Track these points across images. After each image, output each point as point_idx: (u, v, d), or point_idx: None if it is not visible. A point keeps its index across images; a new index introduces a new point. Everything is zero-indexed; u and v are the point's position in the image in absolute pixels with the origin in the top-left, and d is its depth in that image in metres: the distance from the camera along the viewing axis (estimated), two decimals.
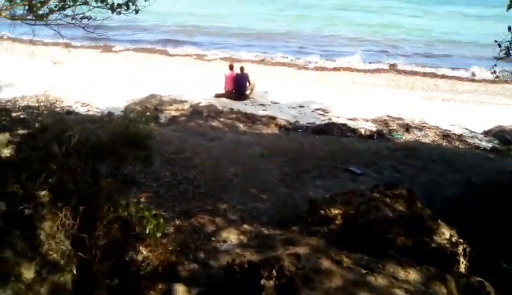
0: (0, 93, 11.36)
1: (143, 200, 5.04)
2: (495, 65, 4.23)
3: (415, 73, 17.55)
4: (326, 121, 10.03)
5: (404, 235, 3.18)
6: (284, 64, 18.47)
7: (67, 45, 21.23)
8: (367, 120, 10.35)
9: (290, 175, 5.95)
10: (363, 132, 9.34)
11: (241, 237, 4.22)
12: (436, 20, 28.90)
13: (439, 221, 3.34)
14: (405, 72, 17.64)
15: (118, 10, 6.06)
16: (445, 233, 3.20)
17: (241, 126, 9.12)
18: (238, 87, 11.66)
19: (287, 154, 6.78)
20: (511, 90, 15.33)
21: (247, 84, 11.82)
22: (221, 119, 9.49)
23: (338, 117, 10.49)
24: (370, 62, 18.60)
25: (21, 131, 7.48)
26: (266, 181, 5.73)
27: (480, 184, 5.70)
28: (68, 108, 10.60)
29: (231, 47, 21.20)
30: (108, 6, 5.91)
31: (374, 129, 9.54)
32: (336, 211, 3.71)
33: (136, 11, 6.07)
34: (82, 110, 10.62)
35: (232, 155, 6.72)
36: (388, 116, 10.69)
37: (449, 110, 11.98)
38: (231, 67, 12.06)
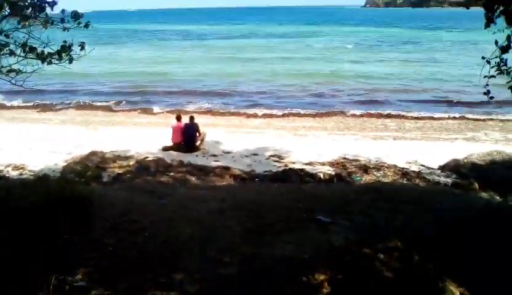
0: None
1: (79, 277, 4.17)
2: (487, 84, 3.91)
3: (362, 115, 17.89)
4: (282, 168, 9.60)
5: None
6: (232, 114, 18.25)
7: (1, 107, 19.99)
8: (324, 164, 10.03)
9: (253, 231, 5.28)
10: (322, 176, 8.96)
11: None
12: (373, 66, 30.20)
13: (445, 278, 2.82)
14: (353, 115, 17.94)
15: (49, 59, 5.36)
16: (455, 292, 2.68)
17: (193, 179, 8.42)
18: (187, 138, 11.05)
19: (248, 207, 6.13)
20: (453, 125, 15.86)
21: (197, 135, 11.24)
22: (171, 173, 8.75)
23: (294, 163, 10.10)
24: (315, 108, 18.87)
25: None
26: (227, 241, 5.01)
27: (454, 222, 5.33)
28: None
29: (177, 102, 20.71)
30: (37, 56, 5.21)
31: (333, 173, 9.20)
32: (322, 277, 3.09)
33: (70, 61, 5.38)
34: (14, 174, 9.49)
35: (186, 213, 5.96)
36: (344, 158, 10.45)
37: (402, 148, 12.03)
38: (179, 118, 11.48)
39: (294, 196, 6.69)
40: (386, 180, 8.89)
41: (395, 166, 9.78)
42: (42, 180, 8.31)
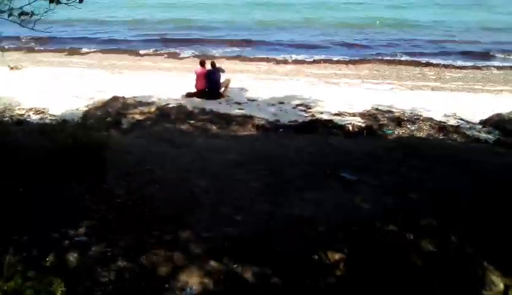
0: None
1: (81, 230, 3.94)
2: None
3: (399, 62, 16.82)
4: (309, 118, 9.04)
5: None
6: (261, 59, 17.48)
7: (29, 50, 19.96)
8: (354, 115, 9.40)
9: (272, 187, 4.89)
10: (351, 128, 8.37)
11: (206, 281, 3.15)
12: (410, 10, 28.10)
13: (487, 265, 2.35)
14: (389, 62, 16.88)
15: None
16: (497, 284, 2.23)
17: (214, 128, 8.04)
18: (211, 85, 10.57)
19: (268, 160, 5.72)
20: (499, 76, 14.64)
21: (221, 80, 10.73)
22: (192, 121, 8.39)
23: (322, 113, 9.52)
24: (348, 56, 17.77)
25: None
26: (242, 197, 4.66)
27: (495, 186, 4.75)
28: (18, 117, 9.34)
29: (205, 45, 20.03)
30: None
31: (363, 125, 8.58)
32: (337, 256, 2.68)
33: (81, 0, 4.98)
34: (35, 118, 9.38)
35: (202, 165, 5.63)
36: (377, 109, 9.76)
37: (440, 99, 11.16)
38: (202, 63, 10.95)
39: (319, 150, 6.22)
40: (420, 134, 8.23)
41: (431, 119, 9.04)
42: (60, 125, 8.15)
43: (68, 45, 20.26)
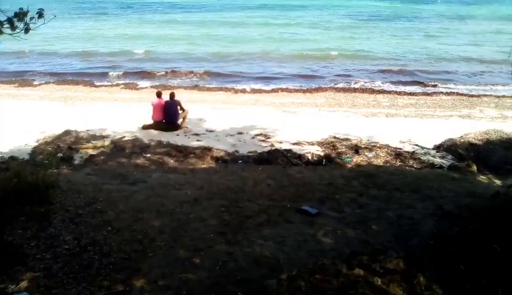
0: None
1: (23, 284, 3.59)
2: None
3: (354, 90, 17.27)
4: (268, 148, 8.98)
5: None
6: (220, 89, 17.46)
7: None
8: (313, 144, 9.44)
9: (230, 225, 4.72)
10: (310, 157, 8.38)
11: None
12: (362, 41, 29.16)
13: None
14: (344, 90, 17.31)
15: None
16: None
17: (171, 161, 7.80)
18: (168, 116, 10.36)
19: (227, 195, 5.56)
20: (448, 102, 15.29)
21: (179, 112, 10.55)
22: (148, 155, 8.11)
23: (281, 143, 9.50)
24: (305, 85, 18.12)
25: None
26: (200, 237, 4.45)
27: (455, 212, 4.82)
28: None
29: (162, 78, 19.73)
30: None
31: (322, 154, 8.61)
32: None
33: (26, 30, 4.69)
34: None
35: (158, 203, 5.38)
36: (334, 137, 9.86)
37: (394, 126, 11.46)
38: (159, 94, 10.75)
39: (278, 181, 6.13)
40: (378, 161, 8.34)
41: (388, 146, 9.22)
42: (4, 163, 7.66)
43: (18, 77, 19.51)
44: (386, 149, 8.91)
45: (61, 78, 19.42)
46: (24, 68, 21.42)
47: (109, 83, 18.42)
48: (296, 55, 24.32)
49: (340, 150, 8.81)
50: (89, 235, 4.50)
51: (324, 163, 8.04)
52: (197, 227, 4.70)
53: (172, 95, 10.70)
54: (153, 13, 47.83)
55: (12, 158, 8.12)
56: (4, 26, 4.68)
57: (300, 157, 8.33)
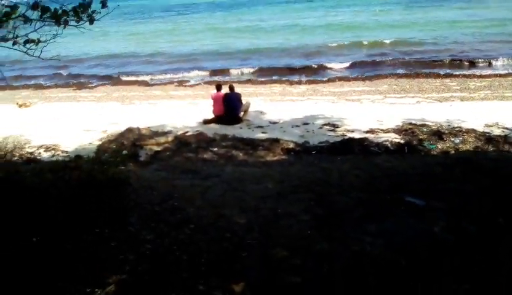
0: None
1: (111, 289, 3.21)
2: None
3: (417, 75, 16.15)
4: (340, 137, 8.34)
5: None
6: (274, 81, 16.94)
7: (36, 87, 19.67)
8: (388, 131, 8.68)
9: (325, 220, 4.15)
10: (389, 145, 7.65)
11: None
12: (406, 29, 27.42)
13: None
14: (406, 76, 16.24)
15: (64, 18, 4.44)
16: None
17: (240, 155, 7.36)
18: (230, 109, 9.95)
19: (312, 188, 5.00)
20: None
21: (240, 104, 10.12)
22: (215, 149, 7.71)
23: (352, 132, 8.82)
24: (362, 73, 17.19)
25: None
26: (294, 235, 3.92)
27: None
28: (28, 155, 8.75)
29: (212, 74, 19.44)
30: (51, 16, 4.28)
31: (402, 141, 7.86)
32: None
33: (91, 21, 4.38)
34: (46, 156, 8.77)
35: (238, 198, 4.92)
36: (410, 124, 9.04)
37: (474, 110, 10.42)
38: (219, 87, 10.37)
39: (367, 172, 5.49)
40: (467, 147, 7.48)
41: (474, 130, 8.30)
42: (73, 162, 7.51)
43: (73, 77, 20.05)
44: (473, 134, 8.00)
45: (115, 79, 19.71)
46: (77, 71, 21.94)
47: (163, 82, 18.44)
48: (349, 44, 23.30)
49: (420, 137, 8.01)
50: (171, 234, 4.09)
51: (405, 150, 7.30)
52: (288, 223, 4.17)
53: (231, 87, 10.30)
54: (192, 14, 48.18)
55: (78, 157, 8.00)
56: (70, 16, 4.41)
57: (377, 145, 7.62)
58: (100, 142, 9.04)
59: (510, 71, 15.73)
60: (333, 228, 4.00)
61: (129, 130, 9.39)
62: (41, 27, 4.47)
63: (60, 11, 4.25)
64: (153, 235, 4.11)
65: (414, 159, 6.15)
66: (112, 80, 19.49)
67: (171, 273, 3.40)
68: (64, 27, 4.52)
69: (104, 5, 4.25)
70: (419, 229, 3.80)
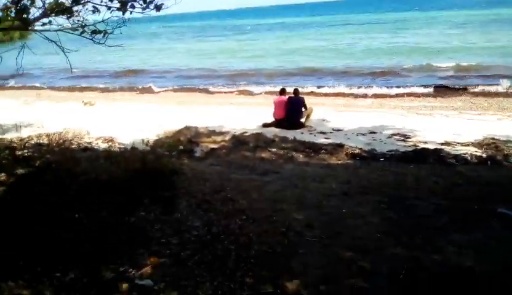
0: (17, 133, 9.82)
1: (146, 270, 2.80)
2: None
3: (495, 94, 14.77)
4: (412, 147, 7.56)
5: None
6: (337, 94, 16.26)
7: (103, 90, 20.49)
8: (467, 145, 7.75)
9: (399, 225, 3.52)
10: (469, 158, 6.77)
11: None
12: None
13: None
14: (483, 94, 14.92)
15: (131, 3, 4.36)
16: None
17: (301, 156, 6.82)
18: (291, 114, 9.47)
19: (384, 190, 4.37)
20: None
21: (303, 110, 9.62)
22: (274, 149, 7.24)
23: (425, 143, 7.97)
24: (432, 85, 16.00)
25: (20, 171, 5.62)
26: (363, 236, 3.33)
27: None
28: (86, 144, 8.79)
29: (274, 83, 19.10)
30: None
31: (483, 155, 6.94)
32: None
33: (158, 8, 4.24)
34: (102, 146, 8.77)
35: (298, 194, 4.40)
36: (493, 138, 8.04)
37: None
38: (282, 92, 9.97)
39: (448, 179, 4.75)
40: None
41: None
42: (127, 151, 7.38)
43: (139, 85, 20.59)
44: None
45: (179, 84, 20.05)
46: (141, 79, 22.64)
47: (224, 90, 18.41)
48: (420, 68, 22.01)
49: (506, 152, 7.04)
50: (221, 223, 3.65)
51: (488, 163, 6.39)
52: (355, 223, 3.58)
53: (296, 91, 9.85)
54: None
55: (133, 148, 7.89)
56: (137, 1, 4.26)
57: (455, 157, 6.77)
58: (157, 138, 8.91)
59: None
60: (409, 234, 3.35)
61: (186, 128, 9.20)
62: (108, 18, 4.38)
63: None
64: (201, 222, 3.70)
65: (505, 170, 5.30)
66: (175, 87, 19.79)
67: (215, 262, 2.94)
68: (131, 13, 4.38)
69: None
70: None
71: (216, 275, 2.73)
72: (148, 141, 7.93)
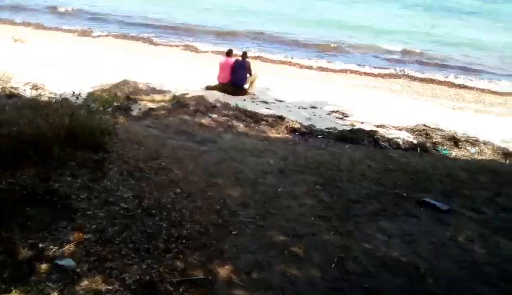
0: None
1: (68, 248, 2.60)
2: None
3: (431, 81, 15.49)
4: (349, 126, 7.74)
5: None
6: (284, 62, 16.18)
7: (38, 27, 18.78)
8: (400, 129, 8.08)
9: (333, 208, 3.57)
10: (401, 143, 7.07)
11: None
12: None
13: None
14: (420, 79, 15.57)
15: None
16: None
17: (241, 126, 6.72)
18: (236, 78, 9.26)
19: (320, 171, 4.41)
20: None
21: (247, 75, 9.44)
22: (214, 116, 7.06)
23: (362, 123, 8.20)
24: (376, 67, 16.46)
25: None
26: (296, 219, 3.34)
27: None
28: (11, 90, 8.04)
29: (223, 43, 18.62)
30: None
31: (414, 141, 7.27)
32: None
33: None
34: (30, 94, 8.06)
35: (235, 169, 4.32)
36: (425, 125, 8.45)
37: (489, 123, 9.84)
38: (229, 53, 9.65)
39: (382, 164, 4.91)
40: (482, 158, 6.92)
41: (490, 143, 7.73)
42: (57, 103, 6.84)
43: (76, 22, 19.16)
44: (490, 146, 7.44)
45: (121, 31, 18.90)
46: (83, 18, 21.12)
47: (169, 43, 17.63)
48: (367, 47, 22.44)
49: (435, 140, 7.43)
50: (153, 195, 3.49)
51: (418, 151, 6.72)
52: (289, 204, 3.59)
53: (244, 54, 9.60)
54: None
55: (65, 100, 7.34)
56: None
57: (388, 141, 7.03)
58: (92, 90, 8.34)
59: None
60: (342, 219, 3.42)
61: (125, 82, 8.70)
62: None
63: None
64: (132, 193, 3.51)
65: (433, 159, 5.58)
66: (115, 33, 18.61)
67: (145, 240, 2.81)
68: None
69: None
70: (442, 236, 3.23)
71: (145, 256, 2.60)
72: (80, 94, 7.39)
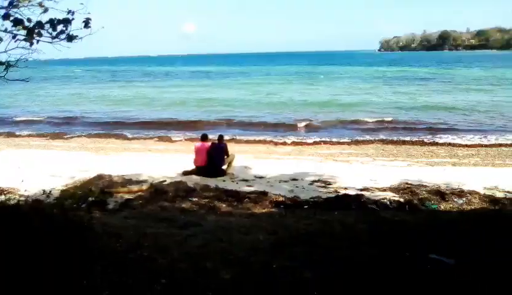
0: None
1: None
2: None
3: (403, 142, 15.91)
4: (334, 194, 7.60)
5: None
6: (258, 141, 16.43)
7: (9, 135, 18.71)
8: (384, 190, 8.01)
9: (335, 280, 3.28)
10: (388, 203, 6.93)
11: None
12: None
13: None
14: (393, 142, 15.98)
15: (38, 30, 3.77)
16: None
17: (224, 206, 6.48)
18: (213, 161, 9.17)
19: (313, 241, 4.15)
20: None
21: (225, 157, 9.38)
22: (195, 199, 6.83)
23: (345, 189, 8.11)
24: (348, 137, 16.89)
25: None
26: None
27: None
28: None
29: (196, 131, 18.83)
30: (21, 28, 3.67)
31: (401, 200, 7.16)
32: None
33: (70, 38, 3.73)
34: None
35: (222, 249, 4.01)
36: (407, 183, 8.41)
37: (469, 174, 9.93)
38: (204, 137, 9.67)
39: (373, 226, 4.69)
40: (470, 208, 6.81)
41: (476, 192, 7.70)
42: (27, 206, 6.49)
43: (48, 128, 19.22)
44: (477, 195, 7.39)
45: (93, 130, 18.99)
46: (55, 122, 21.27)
47: (143, 136, 17.72)
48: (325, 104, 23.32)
49: (421, 196, 7.34)
50: (139, 288, 3.13)
51: (406, 208, 6.58)
52: (288, 281, 3.27)
53: (220, 137, 9.63)
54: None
55: (37, 201, 6.99)
56: (45, 29, 3.72)
57: (376, 202, 6.90)
58: (65, 188, 8.04)
59: (493, 142, 15.67)
60: (348, 290, 3.12)
61: (99, 177, 8.48)
62: (11, 49, 3.80)
63: (34, 23, 3.58)
64: (112, 290, 3.14)
65: (425, 215, 5.42)
66: (89, 133, 18.67)
67: None
68: (37, 42, 3.80)
69: (87, 25, 3.61)
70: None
71: None
72: (50, 192, 7.07)
